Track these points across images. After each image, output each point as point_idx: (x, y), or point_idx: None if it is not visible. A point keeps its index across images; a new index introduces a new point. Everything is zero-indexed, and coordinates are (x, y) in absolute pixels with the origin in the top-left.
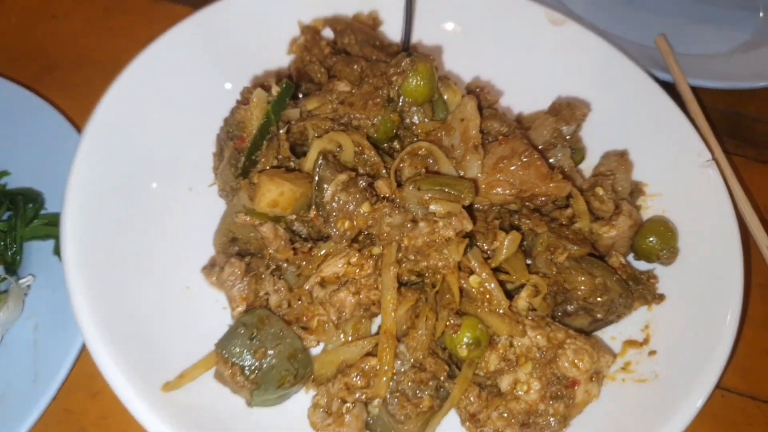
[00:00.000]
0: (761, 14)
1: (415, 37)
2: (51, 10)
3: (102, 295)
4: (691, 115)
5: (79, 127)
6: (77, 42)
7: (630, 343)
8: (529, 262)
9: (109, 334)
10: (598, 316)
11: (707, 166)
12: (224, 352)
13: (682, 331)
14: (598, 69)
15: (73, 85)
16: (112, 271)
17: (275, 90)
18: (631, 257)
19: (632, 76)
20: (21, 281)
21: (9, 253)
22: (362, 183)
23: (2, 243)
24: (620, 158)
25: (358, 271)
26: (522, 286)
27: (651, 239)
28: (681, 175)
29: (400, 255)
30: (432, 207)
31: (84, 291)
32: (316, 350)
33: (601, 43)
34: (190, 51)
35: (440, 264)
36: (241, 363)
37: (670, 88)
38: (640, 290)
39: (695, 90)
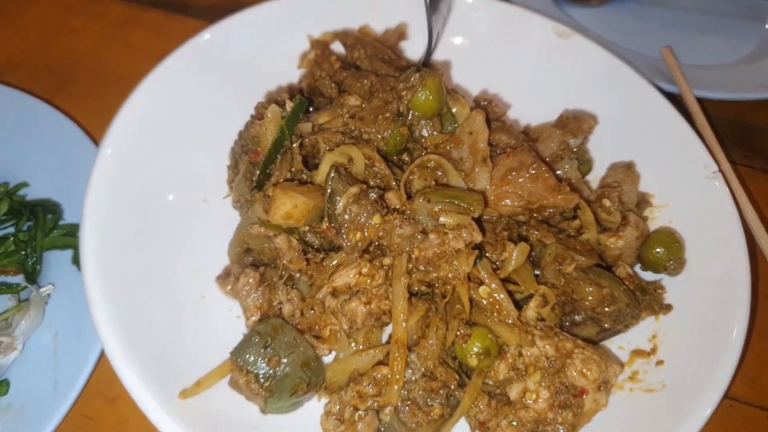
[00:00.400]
0: (767, 25)
1: (420, 48)
2: (67, 26)
3: (120, 304)
4: (698, 126)
5: (95, 140)
6: (93, 56)
7: (638, 353)
8: (537, 272)
9: (128, 341)
10: (606, 326)
11: (714, 177)
12: (239, 360)
13: (690, 341)
14: (604, 81)
15: (89, 99)
16: (130, 280)
17: (289, 105)
18: (638, 268)
19: (638, 88)
20: (41, 290)
21: (30, 262)
22: (373, 195)
23: (23, 252)
24: (627, 170)
25: (369, 281)
26: (530, 296)
27: (658, 250)
28: (687, 187)
29: (410, 266)
30: (442, 219)
31: (103, 300)
32: (328, 359)
33: (607, 56)
34: (203, 65)
35: (450, 275)
36: (255, 371)
37: (676, 100)
38: (648, 300)
39: (701, 101)
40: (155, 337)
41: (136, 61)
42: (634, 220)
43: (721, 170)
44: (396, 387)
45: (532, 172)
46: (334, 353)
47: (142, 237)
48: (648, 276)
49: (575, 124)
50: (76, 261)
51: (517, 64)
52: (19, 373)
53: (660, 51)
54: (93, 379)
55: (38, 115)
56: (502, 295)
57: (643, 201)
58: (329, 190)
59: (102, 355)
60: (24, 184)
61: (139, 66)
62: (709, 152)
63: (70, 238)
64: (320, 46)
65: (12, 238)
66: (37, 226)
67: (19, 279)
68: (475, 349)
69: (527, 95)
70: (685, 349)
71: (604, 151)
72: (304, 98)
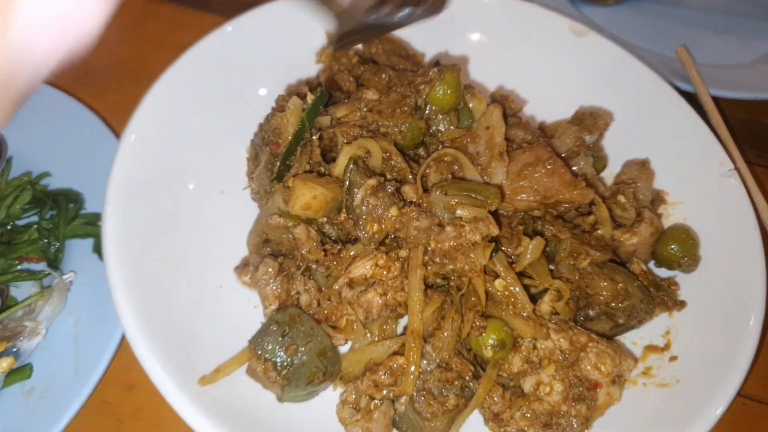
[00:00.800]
0: None
1: (442, 47)
2: None
3: (140, 292)
4: (713, 124)
5: (115, 130)
6: (111, 50)
7: (651, 348)
8: (552, 267)
9: (148, 328)
10: (620, 321)
11: (729, 175)
12: (257, 348)
13: (704, 338)
14: (620, 79)
15: (108, 91)
16: (150, 269)
17: (310, 98)
18: (652, 264)
19: (654, 86)
20: (63, 277)
21: (52, 250)
22: (390, 188)
23: (46, 240)
24: (642, 167)
25: (385, 272)
26: (545, 290)
27: (672, 246)
28: (702, 184)
29: (426, 258)
30: (459, 212)
31: (124, 287)
32: (344, 349)
33: (622, 54)
34: (224, 58)
35: (466, 267)
36: (273, 359)
37: (691, 98)
38: (662, 296)
39: (717, 100)
40: (175, 325)
41: (153, 54)
42: (648, 217)
43: (736, 168)
44: (411, 377)
45: (548, 167)
46: (350, 343)
47: (162, 226)
48: (662, 273)
49: (591, 120)
50: (97, 249)
51: (534, 61)
52: (42, 357)
53: (675, 50)
54: (112, 365)
55: (59, 106)
56: (517, 288)
57: (657, 198)
58: (347, 182)
59: (121, 343)
60: (46, 174)
61: (156, 58)
62: (725, 150)
63: (91, 227)
64: (333, 43)
65: (35, 226)
66: (60, 214)
67: (41, 266)
68: (490, 341)
69: (543, 92)
70: (698, 345)
71: (619, 149)
72: (324, 91)
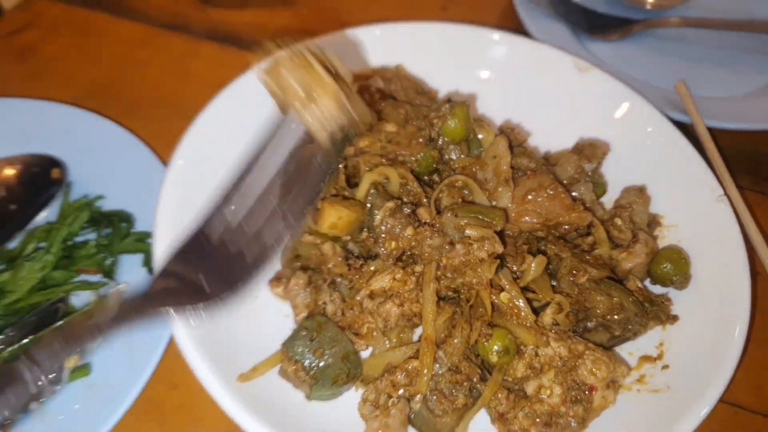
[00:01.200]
0: None
1: (453, 84)
2: (135, 58)
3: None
4: (707, 153)
5: (161, 157)
6: (157, 85)
7: (645, 359)
8: (554, 283)
9: (194, 332)
10: (616, 333)
11: (719, 200)
12: (289, 351)
13: (694, 348)
14: (619, 112)
15: (154, 121)
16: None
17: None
18: (647, 282)
19: (651, 118)
20: (118, 287)
21: (107, 263)
22: (407, 210)
23: (102, 255)
24: (639, 192)
25: (402, 286)
26: (547, 304)
27: (665, 265)
28: (695, 209)
29: (439, 273)
30: (467, 231)
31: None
32: (365, 354)
33: (622, 88)
34: (260, 94)
35: (474, 281)
36: (302, 361)
37: (687, 130)
38: (655, 311)
39: (712, 131)
40: (216, 330)
41: (195, 90)
42: (643, 238)
43: (726, 194)
44: (425, 378)
45: (550, 192)
46: (370, 349)
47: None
48: (657, 290)
49: (590, 150)
50: (146, 264)
51: (539, 96)
52: (101, 357)
53: (674, 84)
54: (158, 367)
55: (111, 135)
56: (520, 301)
57: (653, 221)
58: (369, 205)
59: (167, 347)
60: (100, 197)
61: (198, 93)
62: (717, 177)
63: (141, 243)
64: (361, 79)
65: (93, 243)
66: (114, 232)
67: (98, 278)
68: (496, 348)
69: (548, 124)
70: (689, 354)
71: (618, 176)
72: (351, 130)
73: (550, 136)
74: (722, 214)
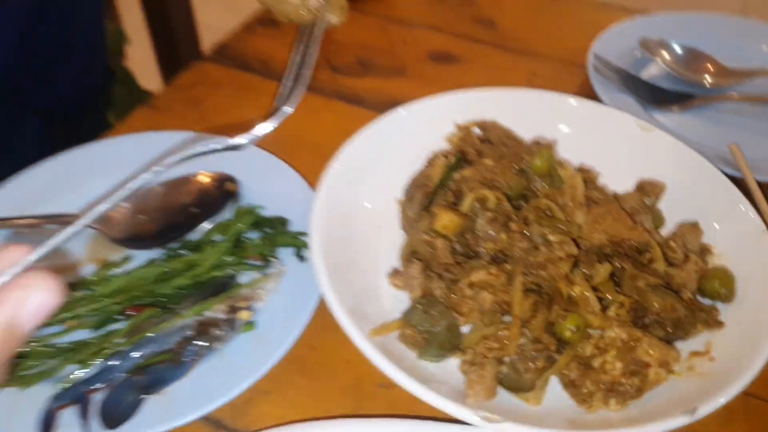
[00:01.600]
0: None
1: (536, 132)
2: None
3: (333, 277)
4: (755, 198)
5: (309, 183)
6: (298, 130)
7: (695, 353)
8: (617, 289)
9: (339, 299)
10: (669, 330)
11: (764, 234)
12: (408, 319)
13: (735, 347)
14: (676, 163)
15: (298, 156)
16: (338, 265)
17: (450, 158)
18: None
19: (703, 167)
20: (279, 267)
21: (268, 252)
22: (501, 220)
23: (265, 246)
24: (691, 226)
25: (495, 279)
26: (611, 302)
27: (714, 281)
28: (741, 241)
29: (525, 270)
30: (549, 237)
31: (324, 274)
32: (464, 331)
33: (679, 144)
34: (389, 133)
35: (553, 274)
36: (418, 327)
37: (738, 183)
38: (704, 316)
39: (760, 184)
40: (354, 298)
41: (328, 135)
42: (694, 258)
43: None
44: (513, 344)
45: (615, 216)
46: (469, 327)
47: (346, 240)
48: (706, 302)
49: (650, 187)
50: (297, 255)
51: (608, 147)
52: (264, 317)
53: (728, 145)
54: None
55: (267, 162)
56: (589, 294)
57: (704, 249)
58: (472, 215)
59: (313, 314)
60: (261, 207)
61: (330, 138)
62: (762, 218)
63: (296, 239)
64: (464, 129)
65: (258, 237)
66: (274, 230)
67: (260, 263)
68: (569, 326)
69: (614, 170)
70: (731, 351)
71: (674, 216)
72: (461, 155)
73: (615, 180)
74: (764, 246)
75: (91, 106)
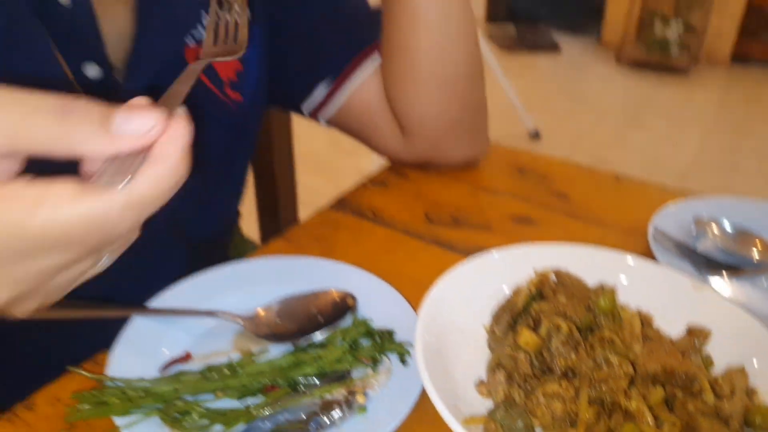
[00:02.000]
0: None
1: (597, 278)
2: (385, 248)
3: (433, 378)
4: None
5: (411, 305)
6: (400, 267)
7: None
8: (669, 412)
9: (438, 393)
10: None
11: None
12: (492, 416)
13: None
14: (726, 318)
15: (404, 285)
16: (436, 370)
17: (533, 289)
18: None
19: (749, 324)
20: (387, 365)
21: (377, 356)
22: (571, 343)
23: (375, 350)
24: (738, 370)
25: (566, 391)
26: (663, 422)
27: (757, 416)
28: None
29: (590, 384)
30: (610, 358)
31: (426, 375)
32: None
33: (728, 302)
34: (475, 273)
35: (614, 389)
36: (501, 423)
37: None
38: None
39: None
40: (448, 398)
41: (426, 270)
42: (741, 394)
43: None
44: None
45: (668, 350)
46: (542, 429)
47: (442, 352)
48: None
49: (698, 332)
50: (401, 359)
51: (663, 300)
52: (373, 403)
53: None
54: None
55: (382, 288)
56: (644, 409)
57: (750, 391)
58: (548, 338)
59: (413, 405)
60: (372, 320)
61: (427, 273)
62: None
63: (399, 347)
64: (542, 274)
65: (370, 343)
66: (382, 339)
67: (370, 364)
68: None
69: (667, 318)
70: None
71: (722, 362)
72: (538, 290)
73: (667, 326)
74: None
75: (224, 239)
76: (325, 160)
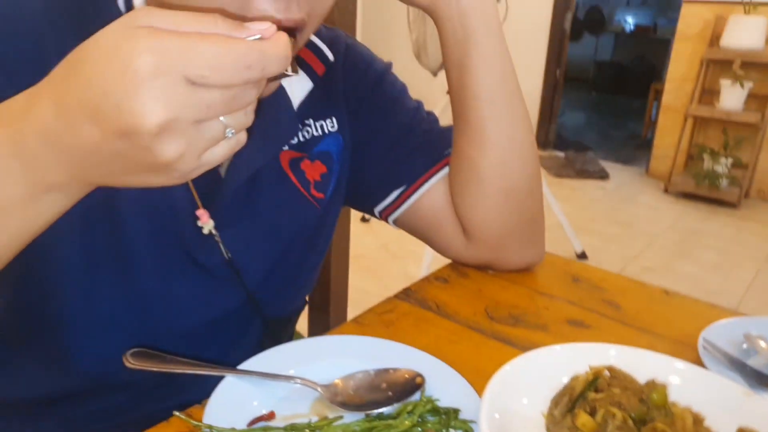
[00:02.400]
0: None
1: (649, 378)
2: (450, 339)
3: None
4: None
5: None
6: (465, 357)
7: None
8: None
9: None
10: None
11: None
12: None
13: None
14: None
15: (468, 373)
16: None
17: (590, 377)
18: None
19: None
20: None
21: (442, 430)
22: (626, 430)
23: (442, 426)
24: None
25: None
26: None
27: None
28: None
29: None
30: None
31: None
32: None
33: None
34: (535, 364)
35: None
36: None
37: None
38: None
39: None
40: None
41: (487, 361)
42: None
43: None
44: None
45: None
46: None
47: (504, 424)
48: None
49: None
50: None
51: (713, 403)
52: None
53: None
54: None
55: (449, 373)
56: None
57: None
58: (603, 423)
59: None
60: (438, 399)
61: (488, 364)
62: None
63: (464, 424)
64: (597, 369)
65: (436, 419)
66: (448, 416)
67: None
68: None
69: (716, 420)
70: None
71: None
72: (594, 379)
73: (717, 427)
74: None
75: (293, 321)
76: (374, 263)
